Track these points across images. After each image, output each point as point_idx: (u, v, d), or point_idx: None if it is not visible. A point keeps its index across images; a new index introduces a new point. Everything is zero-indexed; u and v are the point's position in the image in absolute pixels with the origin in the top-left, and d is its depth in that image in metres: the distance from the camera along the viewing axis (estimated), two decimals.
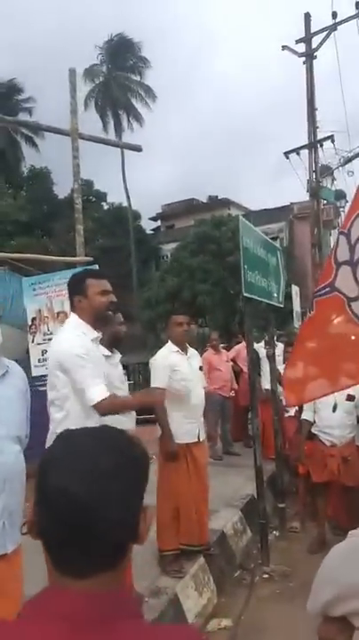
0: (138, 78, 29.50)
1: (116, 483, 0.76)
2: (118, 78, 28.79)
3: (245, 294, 4.11)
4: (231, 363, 7.42)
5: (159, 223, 35.14)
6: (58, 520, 0.74)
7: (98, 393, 2.30)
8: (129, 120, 29.47)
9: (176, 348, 3.69)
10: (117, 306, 2.69)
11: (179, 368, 3.64)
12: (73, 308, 2.55)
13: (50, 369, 2.41)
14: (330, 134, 13.06)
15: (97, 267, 4.51)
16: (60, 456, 0.78)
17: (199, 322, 23.07)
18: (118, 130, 29.22)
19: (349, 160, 14.10)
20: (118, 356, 3.25)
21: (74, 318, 2.51)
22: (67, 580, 0.75)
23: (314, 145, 12.91)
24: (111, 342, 3.17)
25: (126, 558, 0.80)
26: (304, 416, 4.53)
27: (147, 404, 2.57)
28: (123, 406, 2.44)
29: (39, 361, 4.63)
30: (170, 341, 3.75)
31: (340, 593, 1.01)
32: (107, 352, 2.99)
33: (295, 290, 9.98)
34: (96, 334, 2.49)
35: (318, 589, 1.08)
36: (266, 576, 3.87)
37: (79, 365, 2.31)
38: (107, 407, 2.31)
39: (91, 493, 0.73)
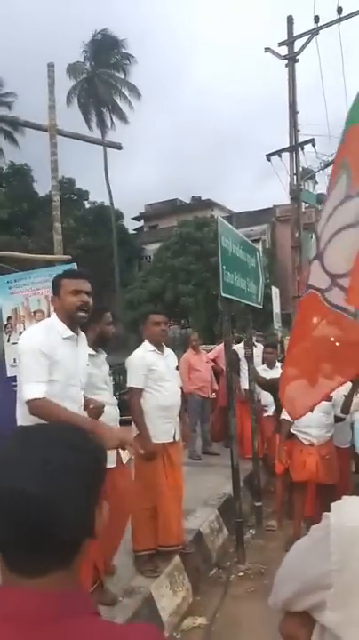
0: (122, 76, 29.36)
1: (72, 479, 0.76)
2: (102, 75, 28.60)
3: (224, 295, 4.13)
4: (212, 363, 7.45)
5: (142, 223, 35.08)
6: (11, 520, 0.72)
7: (31, 391, 2.24)
8: (111, 118, 29.32)
9: (152, 348, 3.69)
10: (97, 306, 2.68)
11: (156, 367, 3.64)
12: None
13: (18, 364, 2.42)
14: (311, 138, 13.21)
15: (75, 265, 4.46)
16: (12, 454, 0.77)
17: (182, 323, 23.13)
18: (101, 128, 29.03)
19: (330, 164, 14.27)
20: (103, 355, 3.24)
21: (52, 317, 2.55)
22: (20, 580, 0.74)
23: (295, 148, 13.02)
24: (97, 342, 3.16)
25: (82, 555, 0.80)
26: (283, 416, 4.57)
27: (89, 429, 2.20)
28: (58, 416, 2.20)
29: (15, 361, 4.56)
30: (146, 340, 3.74)
31: (301, 588, 1.00)
32: (90, 351, 2.98)
33: (275, 291, 10.08)
34: (70, 333, 2.47)
35: (279, 586, 1.08)
36: (241, 574, 3.89)
37: (29, 359, 2.31)
38: (37, 408, 2.22)
39: (47, 491, 0.72)
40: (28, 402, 2.24)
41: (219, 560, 4.12)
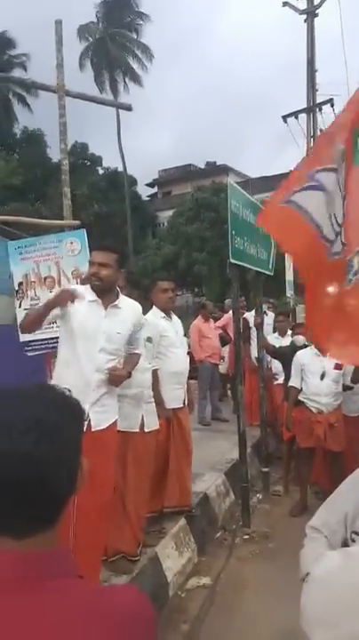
0: (135, 36, 28.30)
1: (63, 437, 0.76)
2: (114, 36, 27.61)
3: (232, 261, 4.06)
4: (219, 331, 7.45)
5: (156, 189, 34.56)
6: (6, 481, 0.72)
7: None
8: (124, 81, 28.45)
9: (162, 314, 3.67)
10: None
11: (166, 334, 3.63)
12: None
13: None
14: (329, 98, 12.68)
15: (85, 231, 4.41)
16: (4, 415, 0.76)
17: (195, 291, 23.02)
18: (114, 91, 28.24)
19: None
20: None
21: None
22: (6, 541, 0.74)
23: (312, 109, 12.55)
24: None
25: (63, 514, 0.80)
26: (291, 383, 4.57)
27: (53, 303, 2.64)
28: (33, 315, 2.69)
29: None
30: (155, 307, 3.71)
31: None
32: None
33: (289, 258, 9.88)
34: (94, 298, 2.70)
35: None
36: (246, 537, 3.97)
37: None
38: (23, 323, 2.66)
39: (43, 450, 0.72)
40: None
41: (225, 523, 4.20)
